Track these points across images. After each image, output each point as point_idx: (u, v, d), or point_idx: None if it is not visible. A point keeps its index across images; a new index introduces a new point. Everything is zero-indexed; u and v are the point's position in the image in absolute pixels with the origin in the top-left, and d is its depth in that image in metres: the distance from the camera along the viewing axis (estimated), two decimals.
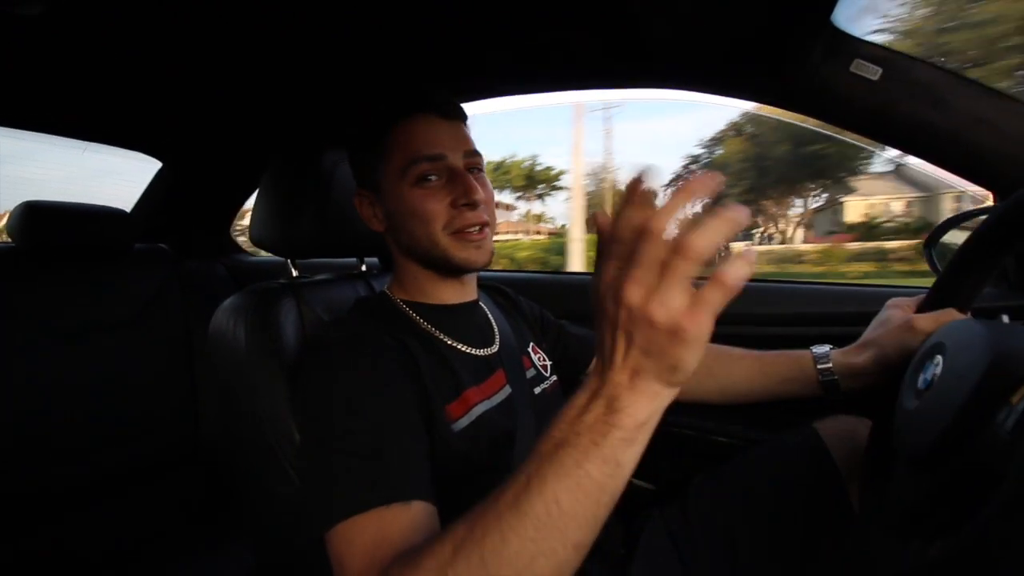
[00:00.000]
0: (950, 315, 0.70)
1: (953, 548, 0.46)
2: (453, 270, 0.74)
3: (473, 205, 0.70)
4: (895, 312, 0.79)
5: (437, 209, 0.69)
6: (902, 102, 0.75)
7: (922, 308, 0.76)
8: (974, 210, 0.96)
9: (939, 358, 0.58)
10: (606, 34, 0.83)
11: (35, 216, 1.13)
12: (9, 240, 1.17)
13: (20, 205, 1.14)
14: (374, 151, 0.73)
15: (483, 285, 0.89)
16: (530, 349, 0.86)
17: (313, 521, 0.55)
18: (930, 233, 0.97)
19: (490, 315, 0.84)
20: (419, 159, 0.69)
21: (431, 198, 0.69)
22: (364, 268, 1.02)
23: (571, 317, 1.03)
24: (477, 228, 0.71)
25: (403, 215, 0.71)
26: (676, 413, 1.04)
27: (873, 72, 0.74)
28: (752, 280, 1.11)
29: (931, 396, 0.55)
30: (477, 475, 0.67)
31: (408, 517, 0.52)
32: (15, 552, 1.05)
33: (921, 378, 0.59)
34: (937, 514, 0.54)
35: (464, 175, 0.70)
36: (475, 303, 0.82)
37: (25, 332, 1.11)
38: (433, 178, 0.70)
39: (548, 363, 0.88)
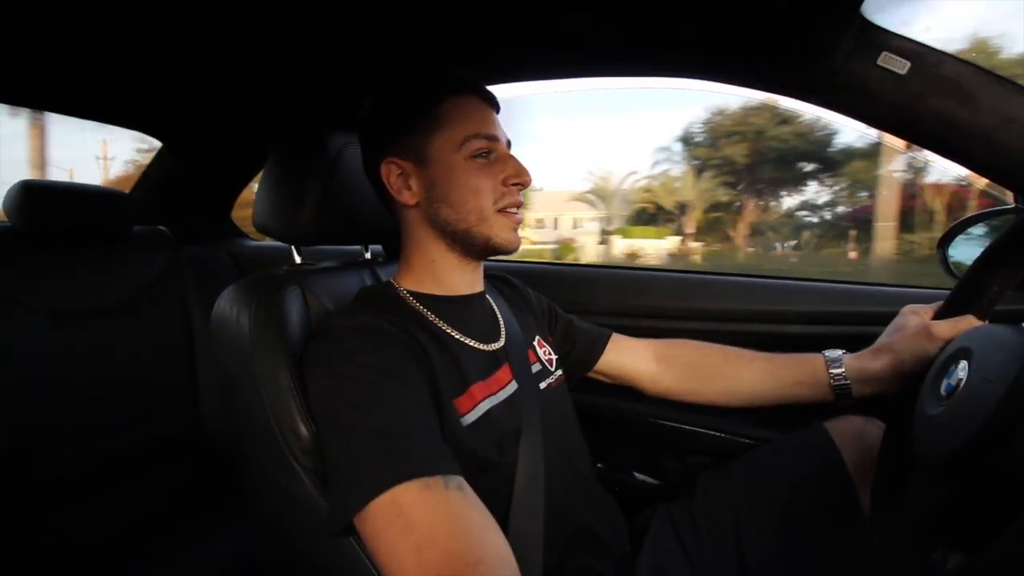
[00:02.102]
0: (969, 322, 0.69)
1: (978, 560, 0.45)
2: (488, 251, 0.74)
3: (523, 184, 0.73)
4: (912, 318, 0.78)
5: (491, 184, 0.71)
6: (930, 98, 0.72)
7: (940, 314, 0.75)
8: (991, 211, 0.94)
9: (964, 363, 0.56)
10: (626, 20, 0.81)
11: (32, 196, 1.11)
12: (5, 220, 1.15)
13: (16, 185, 1.11)
14: (423, 119, 0.71)
15: (490, 275, 0.88)
16: (536, 343, 0.85)
17: (346, 498, 0.54)
18: (944, 233, 0.95)
19: (496, 308, 0.82)
20: (479, 135, 0.71)
21: (484, 173, 0.71)
22: (368, 256, 1.01)
23: (579, 310, 1.02)
24: (517, 209, 0.74)
25: (453, 185, 0.70)
26: (683, 410, 1.05)
27: (901, 66, 0.71)
28: (766, 277, 1.09)
29: (956, 402, 0.54)
30: (483, 471, 0.66)
31: (453, 491, 0.53)
32: (13, 539, 1.04)
33: (944, 383, 0.57)
34: (959, 524, 0.53)
35: (514, 157, 0.74)
36: (482, 295, 0.81)
37: (21, 315, 1.09)
38: (488, 155, 0.72)
39: (554, 357, 0.87)
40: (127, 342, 1.23)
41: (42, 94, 1.16)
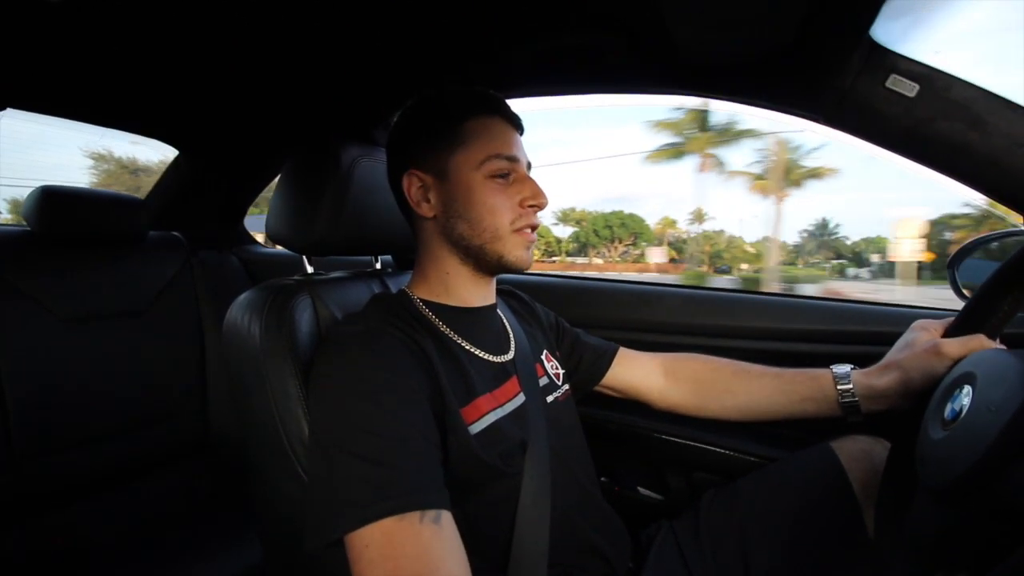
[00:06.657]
0: (979, 341, 0.69)
1: None
2: (500, 268, 0.75)
3: (539, 207, 0.73)
4: (921, 335, 0.77)
5: (507, 204, 0.72)
6: (939, 121, 0.73)
7: (950, 332, 0.74)
8: (1001, 233, 0.94)
9: (968, 388, 0.56)
10: (637, 38, 0.82)
11: (50, 201, 1.13)
12: (24, 225, 1.17)
13: (36, 190, 1.15)
14: (447, 135, 0.72)
15: (499, 290, 0.88)
16: (543, 357, 0.86)
17: (326, 523, 0.54)
18: (954, 253, 0.95)
19: (506, 321, 0.83)
20: (500, 156, 0.72)
21: (502, 193, 0.72)
22: (379, 266, 1.02)
23: (586, 323, 1.02)
24: (532, 230, 0.74)
25: (471, 202, 0.71)
26: (689, 426, 1.05)
27: (910, 89, 0.72)
28: (776, 295, 1.09)
29: (959, 428, 0.54)
30: (488, 482, 0.67)
31: (427, 525, 0.53)
32: (24, 538, 1.05)
33: (949, 408, 0.57)
34: (960, 549, 0.52)
35: (533, 180, 0.75)
36: (493, 307, 0.82)
37: (37, 317, 1.11)
38: (506, 176, 0.73)
39: (561, 371, 0.87)
40: (140, 345, 1.25)
41: (63, 102, 1.19)
